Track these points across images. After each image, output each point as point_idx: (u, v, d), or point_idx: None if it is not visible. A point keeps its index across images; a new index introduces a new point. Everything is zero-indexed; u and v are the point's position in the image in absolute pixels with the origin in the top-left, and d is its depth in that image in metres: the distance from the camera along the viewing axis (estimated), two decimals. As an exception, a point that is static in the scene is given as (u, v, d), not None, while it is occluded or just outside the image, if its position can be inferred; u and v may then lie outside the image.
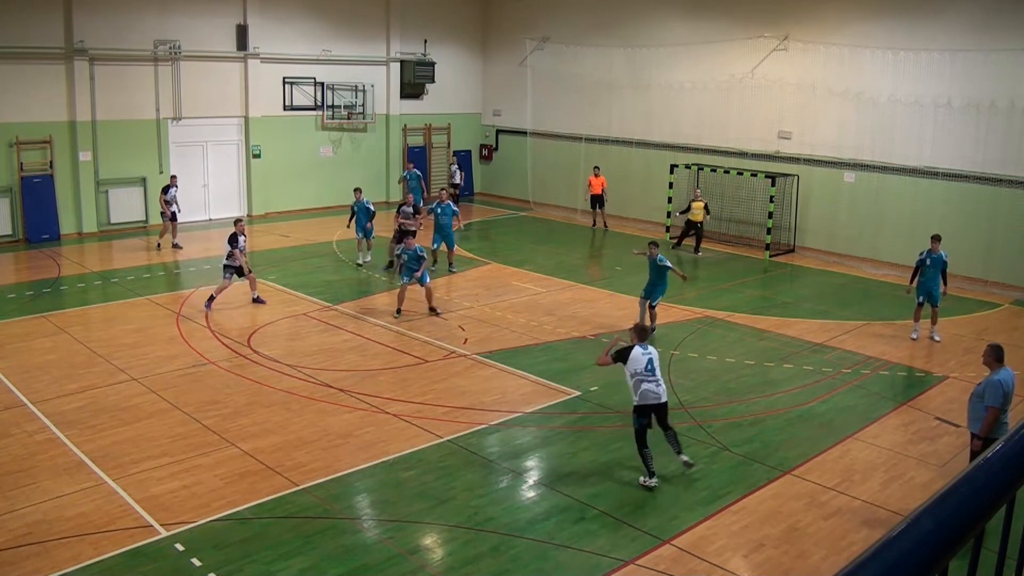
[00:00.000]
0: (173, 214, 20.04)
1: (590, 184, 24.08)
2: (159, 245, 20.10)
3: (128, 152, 21.72)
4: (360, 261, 19.07)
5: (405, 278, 15.28)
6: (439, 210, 18.27)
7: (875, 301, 17.26)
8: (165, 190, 19.96)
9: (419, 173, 24.08)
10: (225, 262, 15.36)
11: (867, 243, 20.34)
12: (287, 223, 23.72)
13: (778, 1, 21.34)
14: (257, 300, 15.70)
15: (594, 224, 24.44)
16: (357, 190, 19.00)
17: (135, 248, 20.14)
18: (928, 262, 14.23)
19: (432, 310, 15.34)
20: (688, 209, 21.01)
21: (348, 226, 19.25)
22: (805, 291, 18.28)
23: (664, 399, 9.15)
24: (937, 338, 14.58)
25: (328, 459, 9.57)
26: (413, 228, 18.24)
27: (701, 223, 20.98)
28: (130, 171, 21.86)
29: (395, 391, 11.66)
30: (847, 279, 19.26)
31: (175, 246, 20.28)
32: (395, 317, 15.06)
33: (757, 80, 21.75)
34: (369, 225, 18.93)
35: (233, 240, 15.34)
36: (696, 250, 21.14)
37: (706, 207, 21.10)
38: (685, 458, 9.38)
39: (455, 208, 18.70)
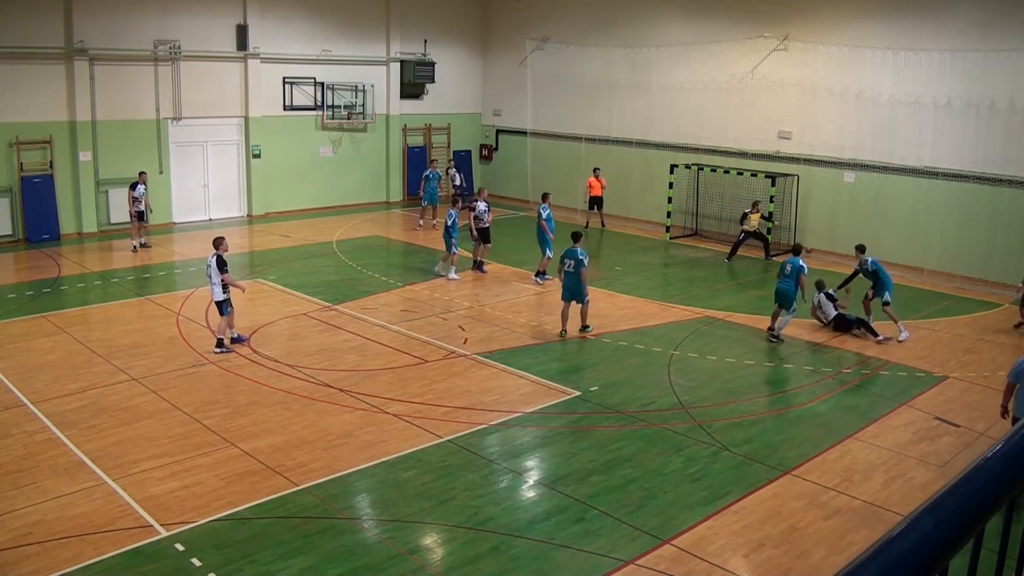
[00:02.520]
0: (140, 213, 19.59)
1: (590, 185, 23.90)
2: (135, 247, 19.70)
3: (128, 152, 21.72)
4: (453, 275, 17.77)
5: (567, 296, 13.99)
6: (544, 214, 17.73)
7: (875, 301, 17.23)
8: (133, 187, 19.55)
9: (440, 174, 24.08)
10: (224, 295, 12.87)
11: (867, 243, 20.08)
12: (287, 223, 23.72)
13: (778, 1, 21.34)
14: (238, 340, 13.34)
15: (587, 225, 23.87)
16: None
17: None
18: (863, 272, 14.66)
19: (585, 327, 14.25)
20: (745, 218, 20.39)
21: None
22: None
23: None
24: (903, 337, 14.51)
25: (328, 459, 9.56)
26: (487, 226, 18.17)
27: (757, 231, 20.47)
28: (130, 171, 21.75)
29: (395, 391, 11.66)
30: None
31: (142, 246, 19.74)
32: (561, 337, 14.04)
33: (757, 80, 21.75)
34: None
35: (223, 264, 12.83)
36: (767, 255, 20.71)
37: (769, 216, 20.68)
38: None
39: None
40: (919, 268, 19.23)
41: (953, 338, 14.87)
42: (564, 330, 14.14)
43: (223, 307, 12.91)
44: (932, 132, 18.96)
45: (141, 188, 19.60)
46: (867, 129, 20.08)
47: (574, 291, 13.89)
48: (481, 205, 18.26)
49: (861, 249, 15.03)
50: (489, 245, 18.53)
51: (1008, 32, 17.64)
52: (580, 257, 13.75)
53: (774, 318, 14.38)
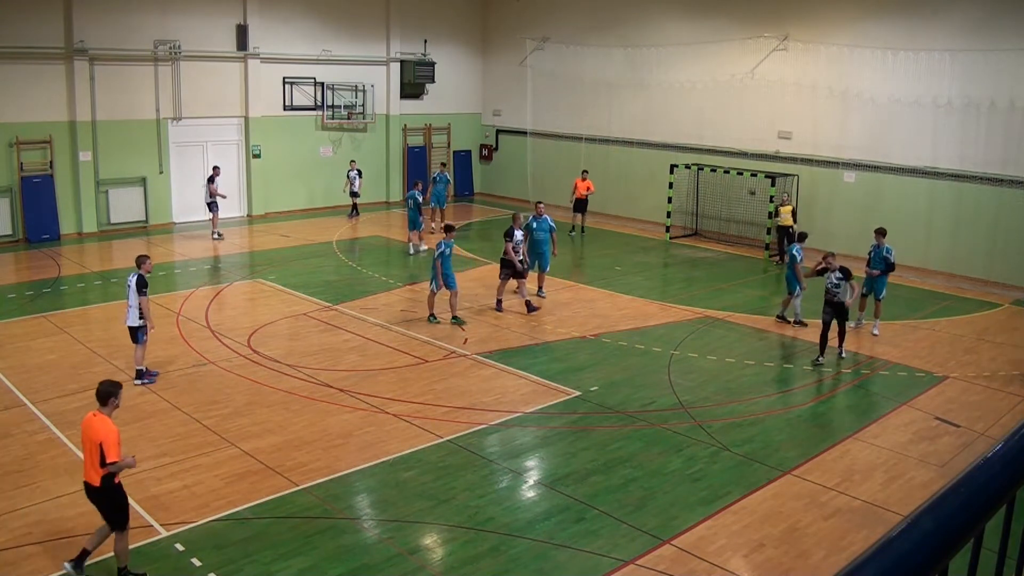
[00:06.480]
0: (211, 204, 21.14)
1: (576, 187, 23.00)
2: (216, 235, 21.40)
3: (128, 152, 21.73)
4: (422, 248, 20.01)
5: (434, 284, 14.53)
6: (535, 224, 16.10)
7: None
8: (211, 180, 21.08)
9: (448, 177, 23.93)
10: (140, 321, 11.31)
11: (867, 243, 20.20)
12: (287, 223, 23.72)
13: (778, 1, 21.34)
14: (145, 374, 11.73)
15: (571, 229, 23.31)
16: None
17: (135, 248, 20.04)
18: (872, 254, 14.89)
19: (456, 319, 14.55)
20: (777, 214, 20.15)
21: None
22: (805, 291, 18.24)
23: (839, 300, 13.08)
24: (876, 332, 14.82)
25: (328, 459, 9.57)
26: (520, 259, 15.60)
27: (791, 228, 19.60)
28: (130, 171, 21.87)
29: (395, 391, 11.66)
30: (847, 279, 19.23)
31: (219, 236, 21.38)
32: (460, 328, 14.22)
33: (757, 80, 21.76)
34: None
35: (143, 285, 11.33)
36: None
37: (794, 212, 19.97)
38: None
39: (552, 223, 16.41)
40: (919, 268, 19.23)
41: (953, 338, 14.87)
42: (433, 314, 14.88)
43: (138, 335, 11.40)
44: (932, 132, 18.97)
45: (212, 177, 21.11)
46: (867, 129, 20.09)
47: (448, 279, 14.65)
48: (519, 234, 15.68)
49: (883, 232, 15.00)
50: (524, 281, 15.66)
51: (1008, 32, 17.65)
52: (443, 248, 14.58)
53: (784, 304, 15.47)
